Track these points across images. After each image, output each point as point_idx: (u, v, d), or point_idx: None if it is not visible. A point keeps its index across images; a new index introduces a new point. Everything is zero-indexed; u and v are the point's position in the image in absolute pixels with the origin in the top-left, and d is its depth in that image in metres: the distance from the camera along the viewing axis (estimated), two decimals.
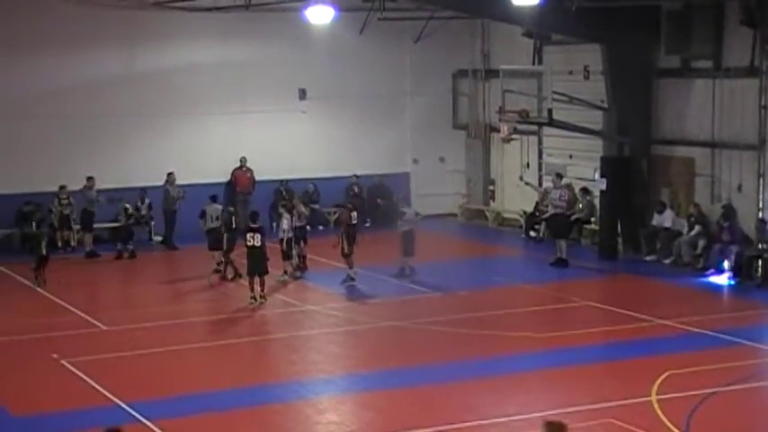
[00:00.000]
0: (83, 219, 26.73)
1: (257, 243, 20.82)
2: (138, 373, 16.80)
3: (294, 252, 23.39)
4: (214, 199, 24.20)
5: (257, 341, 19.00)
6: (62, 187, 27.00)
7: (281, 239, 23.05)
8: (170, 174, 27.48)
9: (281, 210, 23.52)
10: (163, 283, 23.72)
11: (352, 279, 22.64)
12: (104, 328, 19.53)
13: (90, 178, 26.72)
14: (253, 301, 20.90)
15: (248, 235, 20.94)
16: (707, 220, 23.63)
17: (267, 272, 21.17)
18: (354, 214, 23.29)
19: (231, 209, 23.97)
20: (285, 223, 22.89)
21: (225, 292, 22.64)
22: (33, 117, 27.02)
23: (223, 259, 23.17)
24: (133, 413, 14.54)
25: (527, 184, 28.06)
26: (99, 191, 26.82)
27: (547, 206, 26.28)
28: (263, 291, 20.98)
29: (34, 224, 24.29)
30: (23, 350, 18.13)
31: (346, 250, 22.50)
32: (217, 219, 23.49)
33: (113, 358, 17.58)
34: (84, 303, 21.38)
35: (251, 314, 20.70)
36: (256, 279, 20.91)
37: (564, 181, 26.03)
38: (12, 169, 26.95)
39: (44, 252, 22.92)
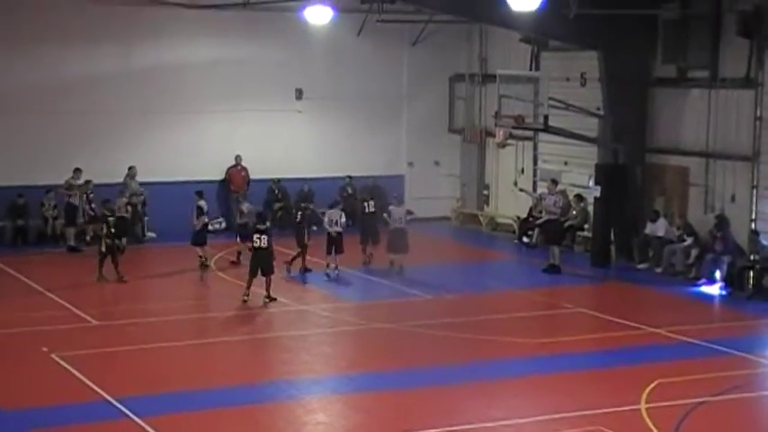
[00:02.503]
0: (66, 212, 26.61)
1: (263, 244, 20.81)
2: (129, 368, 16.79)
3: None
4: (200, 195, 24.37)
5: (248, 340, 18.99)
6: (87, 182, 26.93)
7: (331, 233, 23.41)
8: (131, 168, 27.43)
9: (339, 206, 24.30)
10: (154, 279, 23.69)
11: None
12: (95, 323, 19.51)
13: (77, 170, 26.63)
14: (246, 298, 20.88)
15: (255, 236, 20.89)
16: (694, 230, 23.70)
17: (273, 272, 21.16)
18: (371, 203, 24.78)
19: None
20: (342, 219, 23.54)
21: (217, 289, 22.64)
22: (29, 111, 26.95)
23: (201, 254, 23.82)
24: (122, 409, 14.53)
25: (521, 190, 28.09)
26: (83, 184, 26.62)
27: (541, 212, 26.31)
28: (268, 291, 20.92)
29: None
30: (13, 344, 18.09)
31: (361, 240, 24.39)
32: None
33: (103, 353, 17.58)
34: (75, 298, 21.31)
35: (243, 313, 20.69)
36: (259, 280, 20.88)
37: (558, 187, 26.07)
38: (5, 162, 26.88)
39: (103, 249, 22.61)
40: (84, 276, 23.79)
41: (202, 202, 24.21)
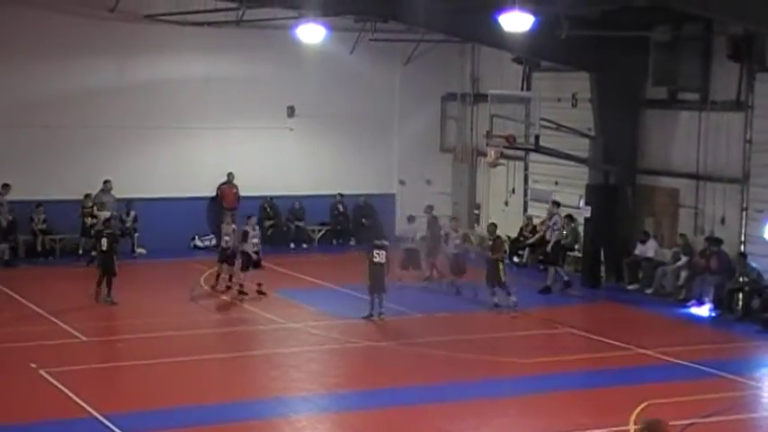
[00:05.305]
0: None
1: (382, 260, 21.09)
2: (117, 385, 16.76)
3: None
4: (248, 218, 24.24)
5: (238, 357, 18.94)
6: (87, 196, 27.00)
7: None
8: (106, 181, 27.37)
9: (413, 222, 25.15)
10: (145, 296, 23.63)
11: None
12: (84, 338, 19.46)
13: (5, 185, 26.35)
14: (373, 315, 21.12)
15: (375, 251, 21.29)
16: (692, 250, 23.76)
17: (384, 289, 21.24)
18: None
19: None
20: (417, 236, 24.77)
21: (207, 306, 22.61)
22: (20, 126, 26.97)
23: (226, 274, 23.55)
24: (110, 425, 14.47)
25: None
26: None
27: (531, 232, 26.38)
28: (381, 307, 21.11)
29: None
30: (1, 359, 17.99)
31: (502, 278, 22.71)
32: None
33: (92, 369, 17.54)
34: (64, 313, 21.25)
35: (232, 330, 20.68)
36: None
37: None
38: None
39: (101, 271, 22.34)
40: (74, 292, 23.75)
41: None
